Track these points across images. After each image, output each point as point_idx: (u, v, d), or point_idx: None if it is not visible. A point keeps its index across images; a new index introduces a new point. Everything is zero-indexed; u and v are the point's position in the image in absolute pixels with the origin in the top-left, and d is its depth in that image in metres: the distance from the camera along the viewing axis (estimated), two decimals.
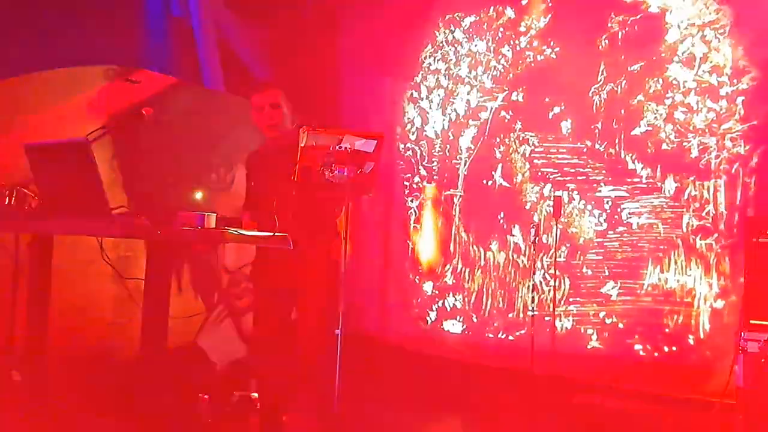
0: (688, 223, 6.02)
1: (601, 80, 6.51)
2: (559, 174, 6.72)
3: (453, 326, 7.33)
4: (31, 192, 3.54)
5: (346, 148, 3.52)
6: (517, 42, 7.07)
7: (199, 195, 6.32)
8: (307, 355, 4.27)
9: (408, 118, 7.83)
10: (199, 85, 7.63)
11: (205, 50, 7.86)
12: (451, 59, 7.53)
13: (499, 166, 7.11)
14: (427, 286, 7.56)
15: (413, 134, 7.79)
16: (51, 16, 6.40)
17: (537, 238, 5.16)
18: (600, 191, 6.48)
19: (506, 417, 6.05)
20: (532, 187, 6.88)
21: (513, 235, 7.00)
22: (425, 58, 7.72)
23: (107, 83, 5.69)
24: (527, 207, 6.91)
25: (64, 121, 5.33)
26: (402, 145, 7.82)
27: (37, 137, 4.90)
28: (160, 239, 2.90)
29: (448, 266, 7.43)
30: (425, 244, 7.65)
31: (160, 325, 3.10)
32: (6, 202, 3.55)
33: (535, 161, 6.88)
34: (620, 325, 6.30)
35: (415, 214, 7.72)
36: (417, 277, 7.65)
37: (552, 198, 6.56)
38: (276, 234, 3.49)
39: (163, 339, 3.15)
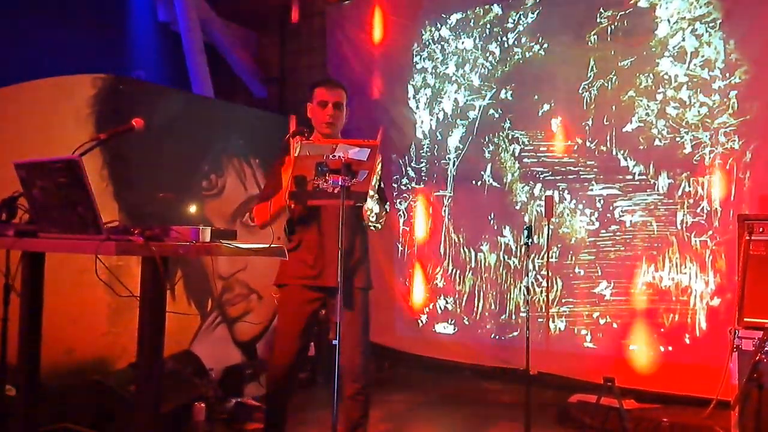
0: (682, 220, 5.96)
1: (591, 76, 6.44)
2: (550, 173, 6.65)
3: (444, 329, 7.25)
4: (22, 206, 3.46)
5: (339, 156, 3.44)
6: (505, 39, 6.98)
7: (192, 207, 6.24)
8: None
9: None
10: (187, 91, 7.55)
11: (192, 56, 7.78)
12: (437, 57, 7.44)
13: (489, 165, 7.03)
14: (418, 289, 7.47)
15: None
16: (36, 24, 6.32)
17: (530, 239, 5.06)
18: (592, 189, 6.41)
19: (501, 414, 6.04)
20: (523, 187, 6.80)
21: (504, 236, 6.93)
22: (411, 56, 7.62)
23: (95, 92, 5.58)
24: (518, 207, 6.83)
25: (52, 132, 5.24)
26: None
27: (25, 148, 4.83)
28: (155, 255, 2.81)
29: (438, 269, 7.34)
30: (415, 247, 7.55)
31: (155, 338, 3.01)
32: None
33: (525, 160, 6.81)
34: (614, 325, 6.24)
35: (404, 217, 7.62)
36: (407, 280, 7.56)
37: (543, 198, 6.50)
38: (271, 245, 3.39)
39: (159, 351, 3.06)
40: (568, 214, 6.53)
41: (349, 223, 4.18)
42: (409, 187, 7.62)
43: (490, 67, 7.07)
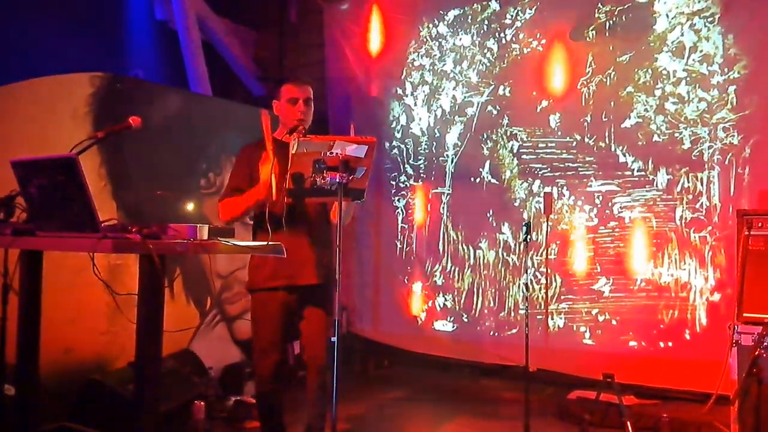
0: (681, 216, 5.95)
1: (589, 72, 6.43)
2: (549, 169, 6.63)
3: (444, 326, 7.24)
4: (20, 205, 3.45)
5: (337, 153, 3.43)
6: (502, 35, 6.97)
7: (189, 205, 6.24)
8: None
9: (393, 116, 7.71)
10: (185, 90, 7.53)
11: (190, 54, 7.76)
12: (435, 54, 7.42)
13: (487, 162, 7.01)
14: (417, 287, 7.46)
15: (398, 132, 7.67)
16: (33, 23, 6.30)
17: (529, 236, 5.04)
18: (590, 186, 6.40)
19: (501, 411, 6.04)
20: (521, 184, 6.79)
21: (502, 233, 6.91)
22: (409, 53, 7.60)
23: (93, 90, 5.57)
24: (516, 204, 6.82)
25: (49, 130, 5.22)
26: (387, 144, 7.69)
27: (22, 146, 4.80)
28: (152, 253, 2.80)
29: (437, 266, 7.32)
30: (413, 244, 7.54)
31: (154, 336, 3.00)
32: None
33: (524, 157, 6.80)
34: (614, 322, 6.23)
35: (403, 214, 7.61)
36: (406, 277, 7.54)
37: (542, 194, 6.49)
38: (269, 243, 3.38)
39: (157, 349, 3.05)
40: (566, 211, 6.51)
41: (318, 221, 4.18)
42: (408, 185, 7.60)
43: (488, 64, 7.06)
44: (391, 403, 6.39)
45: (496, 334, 6.89)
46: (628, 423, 4.94)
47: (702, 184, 5.86)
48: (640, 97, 6.16)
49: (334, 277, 4.16)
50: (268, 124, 4.03)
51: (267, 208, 3.74)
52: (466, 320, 7.10)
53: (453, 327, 7.19)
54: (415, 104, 7.55)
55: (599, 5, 6.38)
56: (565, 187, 6.53)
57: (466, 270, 7.16)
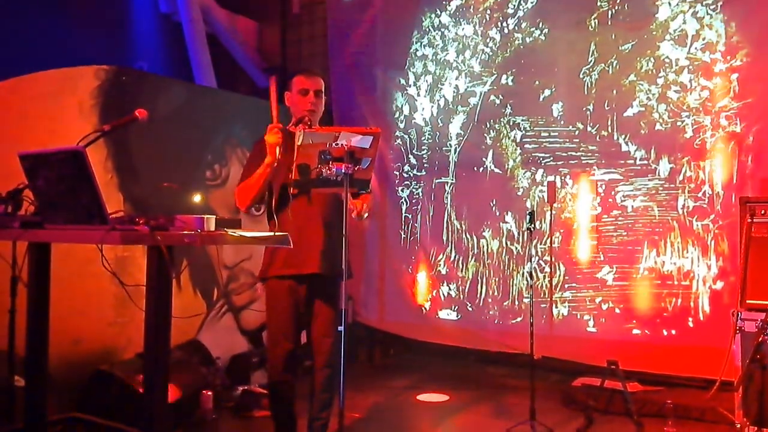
0: (684, 204, 5.97)
1: (591, 61, 6.43)
2: (551, 158, 6.65)
3: (448, 315, 7.27)
4: (27, 198, 3.47)
5: (342, 144, 3.46)
6: (505, 24, 6.97)
7: (196, 197, 6.26)
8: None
9: (396, 106, 7.72)
10: (189, 82, 7.55)
11: (194, 46, 7.78)
12: (438, 44, 7.43)
13: (490, 152, 7.03)
14: (421, 276, 7.48)
15: (402, 122, 7.67)
16: (38, 17, 6.32)
17: (532, 225, 5.06)
18: (593, 175, 6.42)
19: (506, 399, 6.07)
20: (524, 173, 6.81)
21: (506, 222, 6.93)
22: (411, 43, 7.61)
23: (98, 83, 5.59)
24: (519, 193, 6.83)
25: (56, 123, 5.24)
26: (391, 134, 7.70)
27: (29, 140, 4.83)
28: (161, 244, 2.82)
29: (441, 255, 7.35)
30: (417, 234, 7.56)
31: (162, 327, 3.02)
32: (1, 210, 3.48)
33: (527, 146, 6.81)
34: (617, 310, 6.26)
35: (407, 204, 7.62)
36: (410, 267, 7.57)
37: (545, 183, 6.50)
38: (276, 234, 3.40)
39: (166, 340, 3.07)
40: (570, 200, 6.53)
41: (330, 212, 4.20)
42: (411, 175, 7.62)
43: (491, 53, 7.06)
44: (397, 392, 6.41)
45: (501, 322, 6.92)
46: (633, 409, 4.98)
47: (704, 173, 5.87)
48: (642, 85, 6.17)
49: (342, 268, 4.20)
50: (275, 90, 4.04)
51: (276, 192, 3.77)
52: (470, 309, 7.13)
53: (457, 316, 7.22)
54: (418, 94, 7.56)
55: None
56: (568, 176, 6.55)
57: (470, 259, 7.18)
